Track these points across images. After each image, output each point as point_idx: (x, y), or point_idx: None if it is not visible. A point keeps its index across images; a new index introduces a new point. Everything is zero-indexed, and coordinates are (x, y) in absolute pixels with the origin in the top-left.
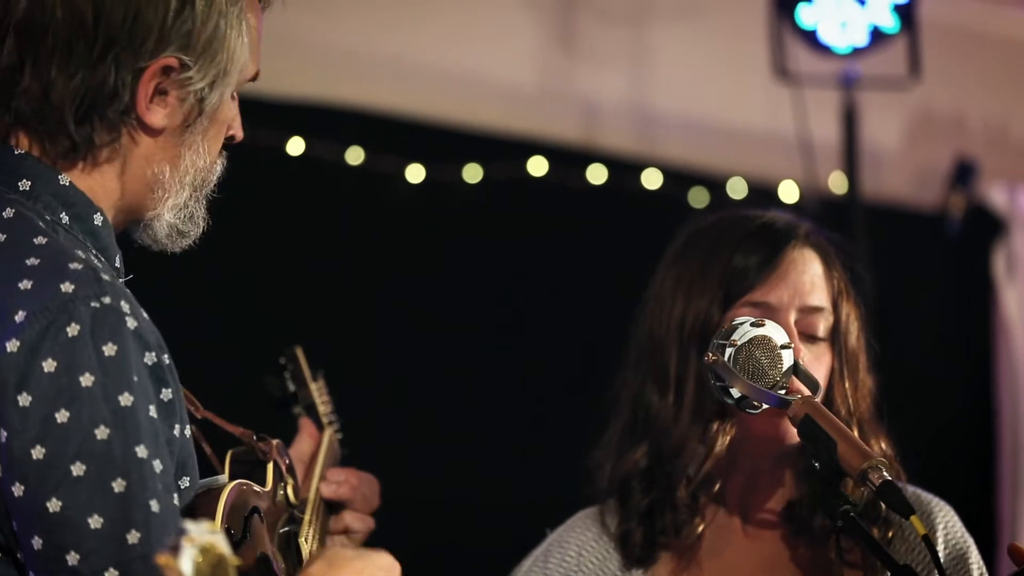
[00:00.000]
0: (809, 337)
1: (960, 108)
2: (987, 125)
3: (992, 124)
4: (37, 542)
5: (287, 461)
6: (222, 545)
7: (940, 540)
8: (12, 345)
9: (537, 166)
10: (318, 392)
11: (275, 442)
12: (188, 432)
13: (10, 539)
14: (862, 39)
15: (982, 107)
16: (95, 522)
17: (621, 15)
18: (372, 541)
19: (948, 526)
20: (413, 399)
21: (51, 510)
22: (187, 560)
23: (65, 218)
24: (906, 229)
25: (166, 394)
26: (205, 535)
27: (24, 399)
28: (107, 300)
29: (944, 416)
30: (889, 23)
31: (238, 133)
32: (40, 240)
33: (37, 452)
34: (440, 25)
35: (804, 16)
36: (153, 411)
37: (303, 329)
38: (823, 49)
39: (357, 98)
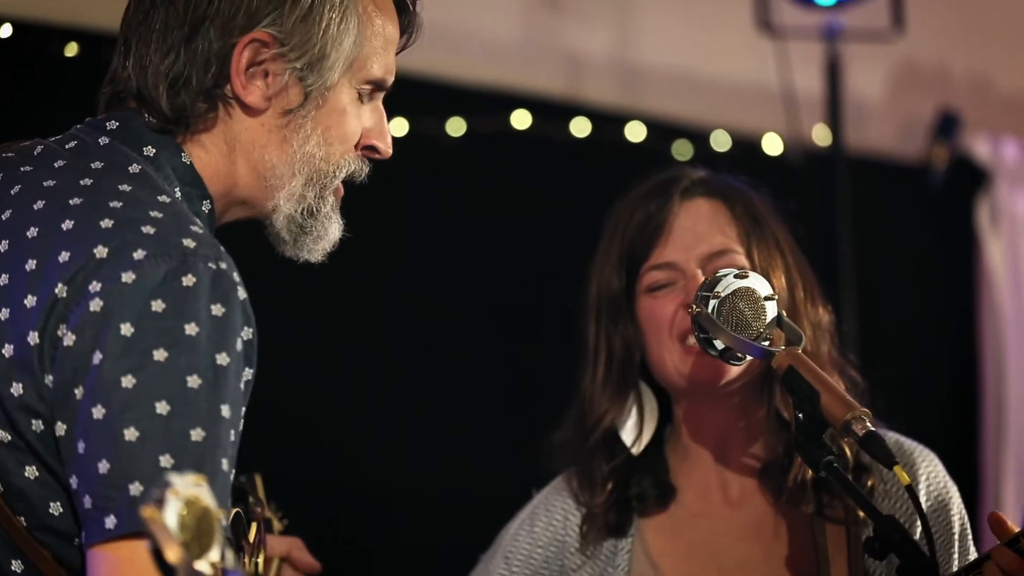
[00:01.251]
0: None
1: (943, 60)
2: (970, 77)
3: (975, 76)
4: (104, 466)
5: (263, 536)
6: (207, 498)
7: (922, 488)
8: (127, 277)
9: (520, 119)
10: (273, 514)
11: (262, 510)
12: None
13: (56, 463)
14: None
15: (965, 59)
16: (166, 460)
17: None
18: (371, 539)
19: (930, 475)
20: (390, 357)
21: (127, 438)
22: (172, 512)
23: (178, 193)
24: (890, 181)
25: (248, 374)
26: (190, 488)
27: (127, 329)
28: (223, 265)
29: (928, 367)
30: None
31: (379, 143)
32: (163, 198)
33: (127, 381)
34: None
35: None
36: (241, 384)
37: (278, 287)
38: (806, 2)
39: None
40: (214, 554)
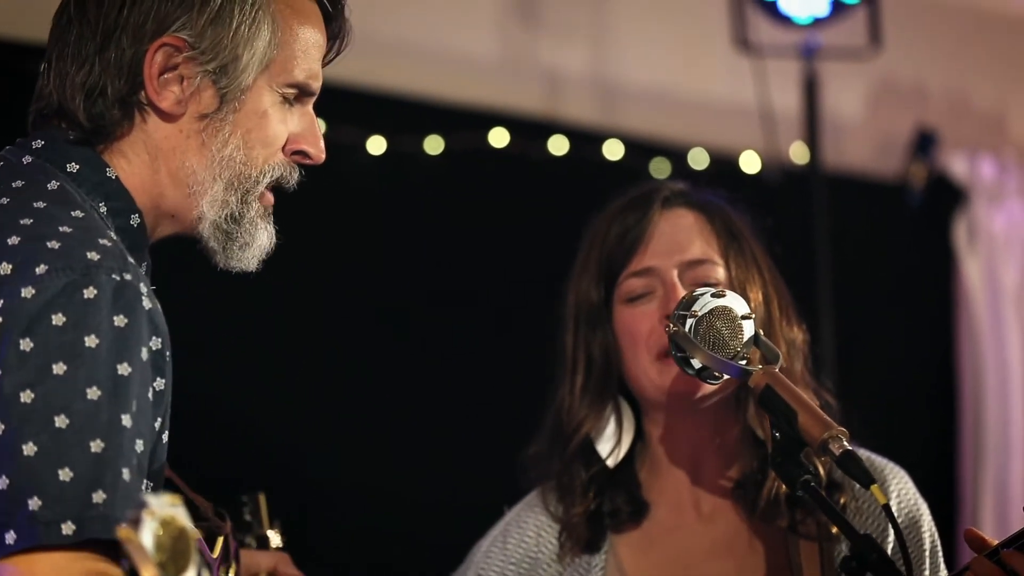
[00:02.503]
0: (702, 287)
1: (921, 78)
2: (948, 95)
3: (953, 94)
4: (3, 482)
5: (235, 546)
6: (183, 518)
7: (893, 505)
8: (27, 292)
9: (499, 137)
10: (274, 535)
11: (229, 524)
12: (165, 437)
13: None
14: (823, 9)
15: (943, 77)
16: (65, 474)
17: None
18: (369, 536)
19: (901, 492)
20: (369, 372)
21: (25, 453)
22: (148, 532)
23: (103, 209)
24: (867, 199)
25: (159, 384)
26: (166, 508)
27: (26, 344)
28: (128, 277)
29: (906, 385)
30: None
31: (308, 148)
32: (77, 213)
33: (26, 396)
34: None
35: None
36: (148, 393)
37: (259, 301)
38: (784, 20)
39: None
40: (190, 574)
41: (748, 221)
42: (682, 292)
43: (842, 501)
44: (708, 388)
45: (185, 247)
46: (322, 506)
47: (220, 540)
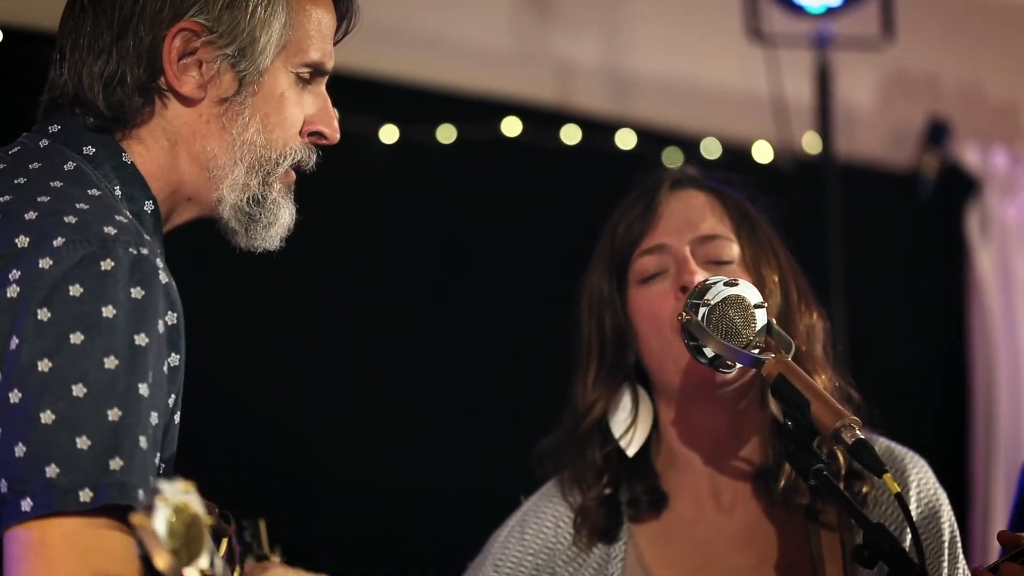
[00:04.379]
0: (715, 263)
1: (933, 68)
2: (960, 85)
3: (965, 84)
4: (20, 449)
5: (240, 549)
6: (196, 504)
7: (913, 496)
8: (45, 263)
9: (511, 126)
10: (275, 559)
11: (232, 526)
12: (178, 418)
13: None
14: None
15: (955, 67)
16: (82, 442)
17: None
18: (368, 536)
19: (921, 482)
20: (381, 362)
21: (43, 421)
22: (161, 519)
23: (118, 192)
24: (880, 189)
25: (174, 359)
26: (179, 495)
27: (44, 314)
28: (144, 251)
29: (918, 375)
30: None
31: (324, 128)
32: (93, 192)
33: (44, 364)
34: None
35: None
36: (164, 367)
37: (270, 291)
38: (797, 9)
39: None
40: (203, 561)
41: (762, 209)
42: (695, 267)
43: (864, 490)
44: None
45: (190, 239)
46: (332, 501)
47: (224, 541)
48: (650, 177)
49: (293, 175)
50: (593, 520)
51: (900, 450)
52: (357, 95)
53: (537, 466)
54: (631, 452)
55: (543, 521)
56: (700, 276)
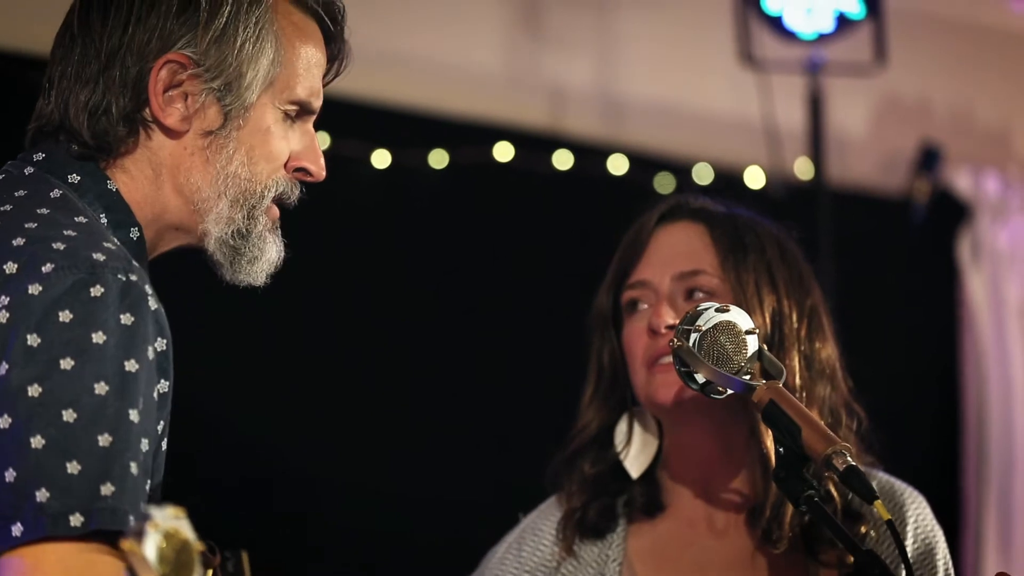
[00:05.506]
0: (696, 296)
1: (925, 94)
2: (952, 111)
3: (957, 109)
4: (10, 474)
5: None
6: (186, 530)
7: (910, 531)
8: (34, 288)
9: (503, 151)
10: None
11: (217, 558)
12: (164, 445)
13: None
14: (828, 25)
15: (947, 93)
16: (73, 467)
17: (587, 0)
18: (367, 542)
19: (919, 518)
20: (375, 385)
21: (33, 446)
22: (151, 545)
23: (104, 220)
24: (872, 214)
25: (163, 385)
26: (169, 520)
27: (33, 339)
28: (134, 277)
29: (909, 401)
30: (855, 9)
31: (310, 165)
32: (81, 219)
33: (34, 390)
34: (405, 10)
35: (770, 2)
36: (153, 393)
37: (263, 315)
38: (789, 35)
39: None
40: None
41: (773, 237)
42: (664, 309)
43: (863, 531)
44: (691, 393)
45: (185, 258)
46: (329, 511)
47: (209, 573)
48: (665, 200)
49: (277, 211)
50: (579, 521)
51: (900, 485)
52: (348, 119)
53: (548, 484)
54: (634, 474)
55: (540, 539)
56: (669, 318)
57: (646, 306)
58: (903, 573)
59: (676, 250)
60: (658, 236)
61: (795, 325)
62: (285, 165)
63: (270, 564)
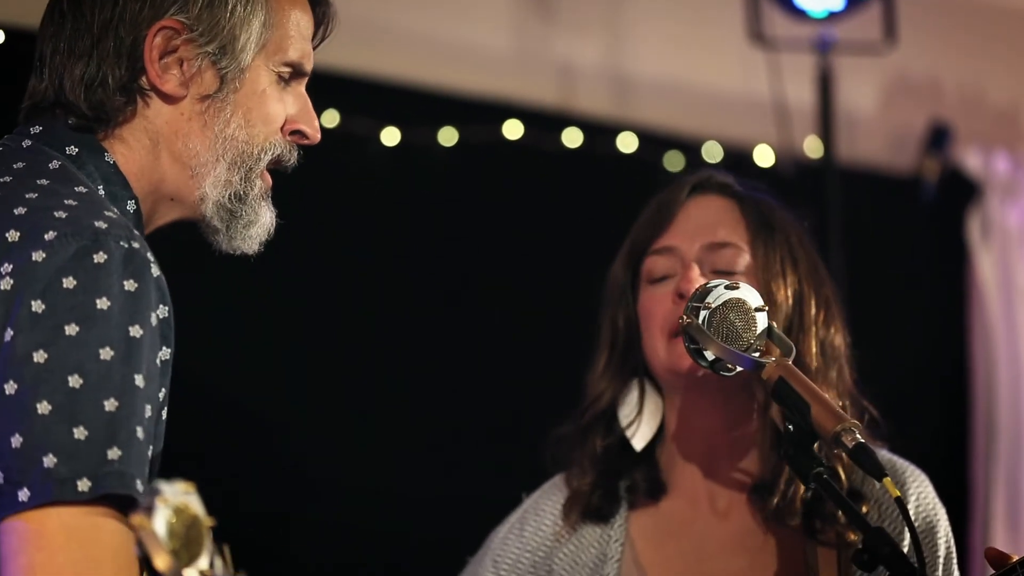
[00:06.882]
0: (723, 272)
1: (935, 72)
2: (962, 89)
3: (967, 88)
4: (16, 440)
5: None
6: (196, 506)
7: (911, 508)
8: (38, 255)
9: (513, 129)
10: None
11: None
12: (165, 414)
13: None
14: (838, 3)
15: (957, 71)
16: (79, 432)
17: None
18: (368, 536)
19: (920, 496)
20: (381, 364)
21: (39, 411)
22: (161, 520)
23: (102, 191)
24: (881, 193)
25: (165, 353)
26: (179, 495)
27: (38, 306)
28: (136, 245)
29: (918, 380)
30: None
31: (305, 128)
32: (80, 189)
33: (39, 356)
34: None
35: None
36: (156, 360)
37: (271, 294)
38: (799, 13)
39: (332, 61)
40: (203, 561)
41: (794, 222)
42: (696, 273)
43: (864, 510)
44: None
45: (187, 240)
46: (329, 502)
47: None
48: (687, 176)
49: (270, 178)
50: (584, 503)
51: (902, 463)
52: (358, 97)
53: (550, 459)
54: (638, 446)
55: (543, 519)
56: (699, 284)
57: (672, 274)
58: (911, 550)
59: (707, 220)
60: (688, 206)
61: (813, 310)
62: (281, 128)
63: (268, 562)
